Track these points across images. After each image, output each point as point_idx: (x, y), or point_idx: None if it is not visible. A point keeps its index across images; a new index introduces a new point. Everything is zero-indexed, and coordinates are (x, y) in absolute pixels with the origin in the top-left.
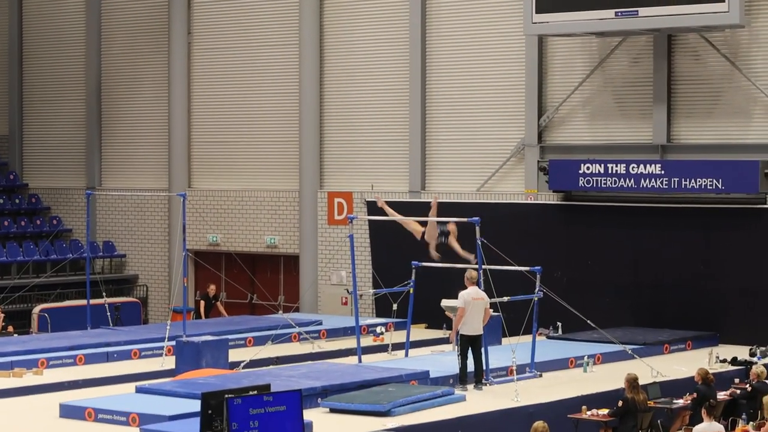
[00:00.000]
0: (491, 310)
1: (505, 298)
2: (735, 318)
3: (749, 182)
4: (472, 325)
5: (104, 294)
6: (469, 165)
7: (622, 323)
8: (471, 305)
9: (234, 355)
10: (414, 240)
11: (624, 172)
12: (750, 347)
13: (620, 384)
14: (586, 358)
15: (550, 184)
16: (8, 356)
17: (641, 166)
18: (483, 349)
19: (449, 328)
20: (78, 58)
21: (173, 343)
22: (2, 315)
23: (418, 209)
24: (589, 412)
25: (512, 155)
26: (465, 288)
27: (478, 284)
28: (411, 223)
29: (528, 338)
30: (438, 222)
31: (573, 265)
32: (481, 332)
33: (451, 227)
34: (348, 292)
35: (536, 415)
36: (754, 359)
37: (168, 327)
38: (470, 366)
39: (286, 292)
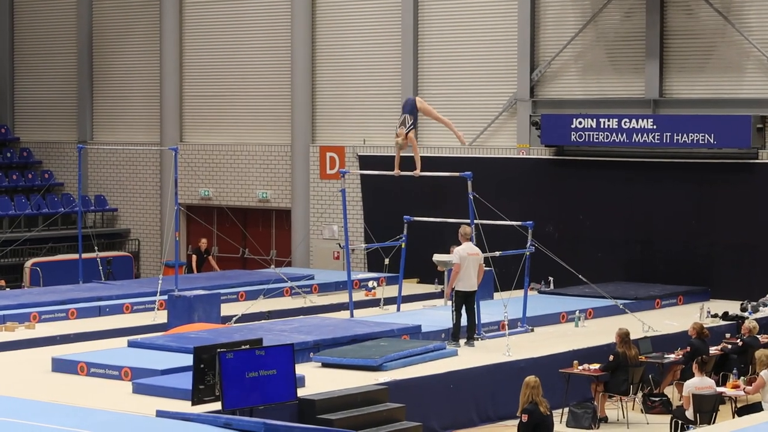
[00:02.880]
0: (483, 265)
1: (497, 253)
2: (726, 273)
3: (741, 137)
4: (468, 281)
5: (96, 248)
6: (461, 119)
7: (613, 278)
8: (466, 261)
9: (226, 309)
10: (406, 194)
11: (616, 126)
12: (741, 302)
13: (611, 339)
14: (577, 312)
15: (542, 139)
16: (0, 310)
17: (633, 120)
18: (476, 305)
19: (441, 282)
20: (69, 11)
21: (165, 297)
22: None
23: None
24: (580, 367)
25: (504, 110)
26: (459, 244)
27: (470, 239)
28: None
29: (519, 293)
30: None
31: (565, 219)
32: (476, 288)
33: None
34: (340, 246)
35: (527, 370)
36: (746, 314)
37: (160, 281)
38: (463, 321)
39: (277, 246)
